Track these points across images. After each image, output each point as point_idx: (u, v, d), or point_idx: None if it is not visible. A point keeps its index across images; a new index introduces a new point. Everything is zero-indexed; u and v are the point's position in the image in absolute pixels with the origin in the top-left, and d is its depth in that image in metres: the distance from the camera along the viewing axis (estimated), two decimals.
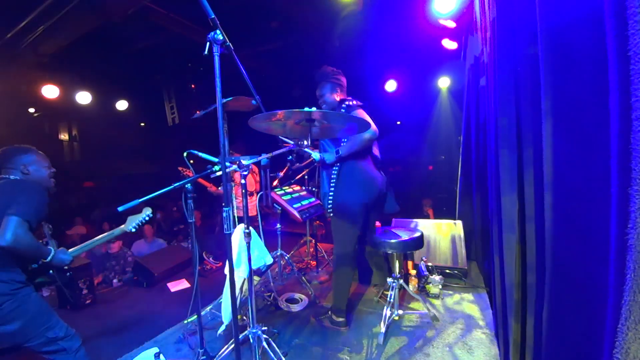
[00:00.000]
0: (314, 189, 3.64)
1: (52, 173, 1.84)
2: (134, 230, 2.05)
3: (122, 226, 2.04)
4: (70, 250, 1.78)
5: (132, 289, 3.71)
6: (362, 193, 2.30)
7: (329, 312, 2.47)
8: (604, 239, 0.79)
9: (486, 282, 2.95)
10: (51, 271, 1.75)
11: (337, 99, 2.38)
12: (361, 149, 2.25)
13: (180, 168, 3.50)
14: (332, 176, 2.36)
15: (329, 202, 2.35)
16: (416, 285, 2.88)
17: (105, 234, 1.97)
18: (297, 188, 3.37)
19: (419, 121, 6.31)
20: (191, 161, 2.02)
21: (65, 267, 1.78)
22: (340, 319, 2.38)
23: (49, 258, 1.63)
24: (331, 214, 2.36)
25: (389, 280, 2.43)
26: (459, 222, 3.29)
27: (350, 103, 2.32)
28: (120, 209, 1.65)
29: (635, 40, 0.62)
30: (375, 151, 2.52)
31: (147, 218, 2.10)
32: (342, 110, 2.29)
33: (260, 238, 2.24)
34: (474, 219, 3.31)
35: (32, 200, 1.57)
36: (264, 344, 1.88)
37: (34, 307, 1.57)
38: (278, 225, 3.58)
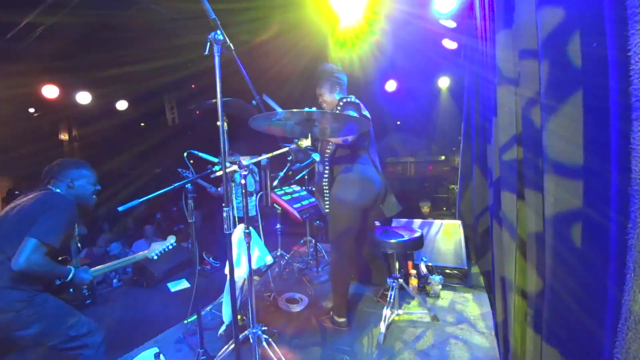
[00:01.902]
0: (314, 189, 3.64)
1: (97, 191, 1.87)
2: (155, 257, 2.10)
3: (145, 252, 2.08)
4: (91, 269, 1.78)
5: (132, 289, 3.71)
6: (358, 195, 2.29)
7: (330, 313, 2.47)
8: (604, 239, 0.79)
9: (486, 282, 2.95)
10: (71, 289, 1.77)
11: (337, 98, 2.38)
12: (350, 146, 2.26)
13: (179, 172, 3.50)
14: (325, 176, 2.37)
15: (325, 200, 2.37)
16: (416, 285, 2.88)
17: (128, 257, 2.02)
18: (297, 188, 3.38)
19: (419, 121, 6.30)
20: (191, 161, 2.03)
21: (85, 286, 1.82)
22: (342, 319, 2.38)
23: (69, 278, 1.62)
24: (327, 210, 2.37)
25: (389, 280, 2.43)
26: (459, 222, 3.29)
27: (346, 100, 2.31)
28: (120, 209, 1.66)
29: (635, 40, 0.62)
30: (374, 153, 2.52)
31: (170, 247, 2.15)
32: (339, 109, 2.29)
33: (260, 238, 2.24)
34: (474, 219, 3.31)
35: (59, 219, 1.56)
36: (264, 344, 1.88)
37: (52, 310, 1.58)
38: (278, 225, 3.58)
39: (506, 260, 1.56)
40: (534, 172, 1.25)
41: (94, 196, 1.86)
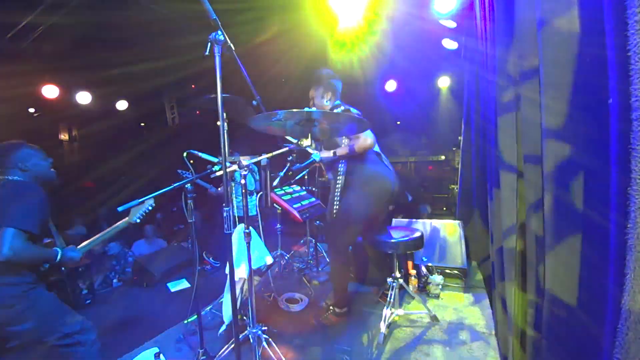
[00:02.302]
0: (314, 189, 3.64)
1: (51, 163, 1.81)
2: (138, 221, 2.01)
3: (126, 218, 2.01)
4: (79, 246, 1.76)
5: (132, 289, 3.70)
6: (374, 199, 2.28)
7: (331, 308, 2.50)
8: (604, 239, 0.79)
9: (486, 282, 2.95)
10: (63, 268, 1.75)
11: (327, 103, 2.39)
12: (360, 153, 2.25)
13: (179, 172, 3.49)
14: (338, 180, 2.36)
15: (335, 207, 2.35)
16: (416, 285, 2.88)
17: (111, 227, 1.94)
18: (297, 188, 3.37)
19: (418, 121, 6.30)
20: (191, 161, 2.03)
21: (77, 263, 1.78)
22: (343, 309, 2.47)
23: (58, 259, 1.61)
24: (335, 216, 2.35)
25: (389, 280, 2.43)
26: (459, 222, 3.29)
27: (334, 107, 2.32)
28: (120, 209, 1.66)
29: (635, 40, 0.62)
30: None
31: (149, 208, 2.07)
32: None
33: (260, 238, 2.24)
34: (474, 219, 3.31)
35: (29, 205, 1.53)
36: (264, 344, 1.88)
37: (47, 306, 1.58)
38: (278, 225, 3.58)
39: (506, 260, 1.57)
40: (534, 171, 1.25)
41: (51, 170, 1.80)
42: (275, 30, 4.15)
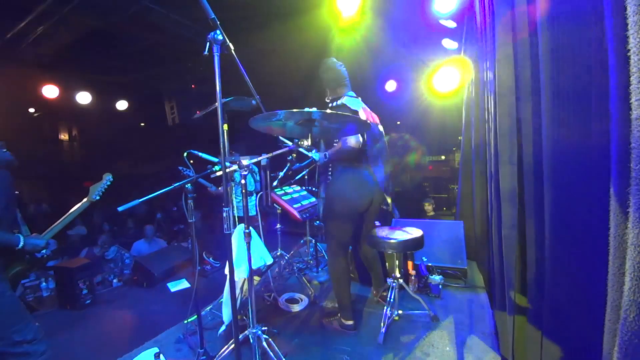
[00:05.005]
0: (314, 189, 3.64)
1: (3, 144, 1.69)
2: (98, 198, 1.99)
3: (86, 198, 1.98)
4: (43, 234, 1.73)
5: (132, 289, 3.71)
6: (352, 199, 2.28)
7: (338, 315, 2.44)
8: (604, 239, 0.79)
9: (486, 282, 2.95)
10: (27, 256, 1.70)
11: (327, 100, 2.39)
12: (347, 155, 2.23)
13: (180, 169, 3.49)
14: (328, 182, 2.38)
15: (321, 206, 2.37)
16: (416, 285, 2.88)
17: (73, 208, 1.90)
18: (297, 188, 3.37)
19: (418, 121, 6.31)
20: (191, 161, 2.03)
21: (43, 251, 1.73)
22: (349, 322, 2.34)
23: (20, 245, 1.57)
24: (320, 218, 2.37)
25: (389, 280, 2.42)
26: (459, 222, 3.29)
27: (334, 105, 2.32)
28: (120, 209, 1.66)
29: (635, 40, 0.62)
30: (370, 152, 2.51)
31: (108, 183, 2.04)
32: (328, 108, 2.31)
33: (260, 238, 2.24)
34: (474, 219, 3.31)
35: None
36: (264, 344, 1.87)
37: (6, 307, 1.50)
38: (278, 225, 3.58)
39: (506, 260, 1.57)
40: (534, 171, 1.25)
41: (4, 151, 1.69)
42: (276, 34, 4.16)
